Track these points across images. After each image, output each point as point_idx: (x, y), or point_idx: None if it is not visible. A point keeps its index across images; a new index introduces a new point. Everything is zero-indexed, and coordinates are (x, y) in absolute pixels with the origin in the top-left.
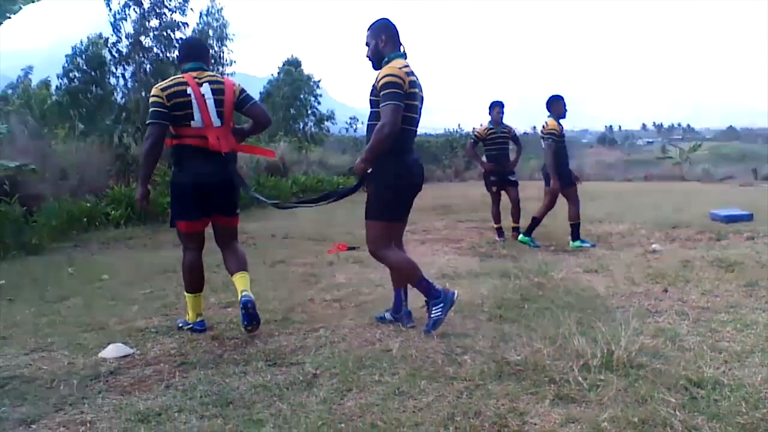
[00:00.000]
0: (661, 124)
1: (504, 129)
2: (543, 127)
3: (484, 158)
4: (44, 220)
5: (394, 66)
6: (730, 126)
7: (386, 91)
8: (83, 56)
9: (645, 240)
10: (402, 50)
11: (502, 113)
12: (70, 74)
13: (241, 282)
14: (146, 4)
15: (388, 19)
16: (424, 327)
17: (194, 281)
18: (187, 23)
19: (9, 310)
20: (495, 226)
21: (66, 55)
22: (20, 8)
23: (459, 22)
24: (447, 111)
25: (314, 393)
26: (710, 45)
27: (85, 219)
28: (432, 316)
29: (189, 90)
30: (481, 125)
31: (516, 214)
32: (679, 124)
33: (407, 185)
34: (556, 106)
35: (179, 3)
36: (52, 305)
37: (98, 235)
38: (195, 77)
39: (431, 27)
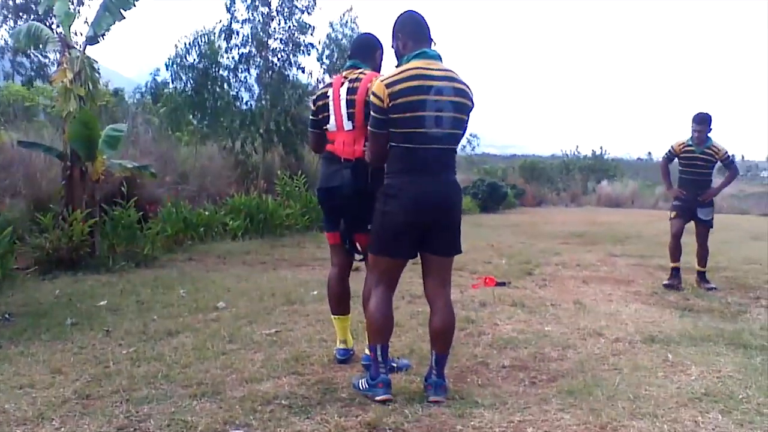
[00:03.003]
0: None
1: (708, 150)
2: None
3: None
4: (159, 228)
5: (382, 77)
6: None
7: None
8: (197, 49)
9: None
10: (427, 48)
11: (708, 129)
12: (182, 74)
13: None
14: (274, 4)
15: (410, 12)
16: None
17: (332, 300)
18: (314, 26)
19: (103, 349)
20: (671, 264)
21: (167, 60)
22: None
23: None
24: (563, 132)
25: None
26: None
27: (201, 228)
28: (354, 381)
29: (330, 92)
30: (683, 140)
31: (702, 254)
32: None
33: (403, 213)
34: None
35: (308, 3)
36: (155, 344)
37: (214, 247)
38: (344, 77)
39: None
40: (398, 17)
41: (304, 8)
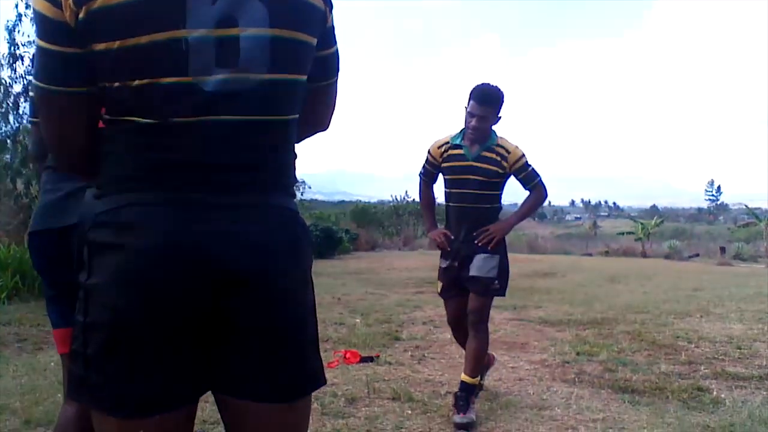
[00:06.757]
0: (589, 201)
1: (488, 154)
2: None
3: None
4: None
5: None
6: (654, 205)
7: None
8: None
9: None
10: None
11: (496, 117)
12: None
13: None
14: None
15: None
16: None
17: None
18: None
19: None
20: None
21: None
22: None
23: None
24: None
25: None
26: (632, 123)
27: None
28: None
29: None
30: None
31: (474, 350)
32: (606, 201)
33: (137, 293)
34: None
35: None
36: None
37: None
38: None
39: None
40: None
41: None
